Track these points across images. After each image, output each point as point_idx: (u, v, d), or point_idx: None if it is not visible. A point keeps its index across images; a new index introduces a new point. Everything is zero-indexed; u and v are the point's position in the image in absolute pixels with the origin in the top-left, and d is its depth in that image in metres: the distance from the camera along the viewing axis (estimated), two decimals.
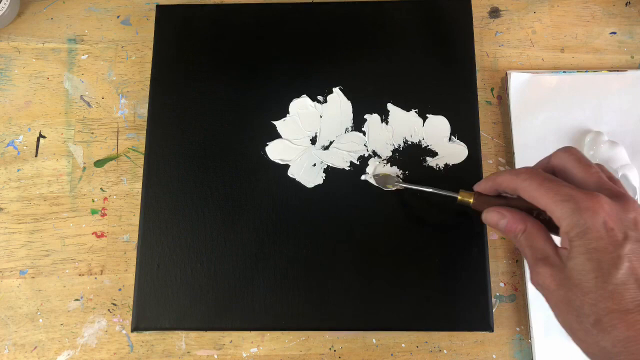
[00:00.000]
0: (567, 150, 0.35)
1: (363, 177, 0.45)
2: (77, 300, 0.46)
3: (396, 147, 0.46)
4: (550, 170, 0.35)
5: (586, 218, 0.30)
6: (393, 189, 0.44)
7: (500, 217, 0.35)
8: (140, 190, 0.46)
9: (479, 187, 0.38)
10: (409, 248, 0.44)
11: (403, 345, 0.44)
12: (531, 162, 0.45)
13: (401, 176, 0.45)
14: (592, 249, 0.30)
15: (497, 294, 0.45)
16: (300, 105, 0.47)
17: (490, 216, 0.36)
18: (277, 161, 0.46)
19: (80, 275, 0.46)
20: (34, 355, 0.45)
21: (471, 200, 0.38)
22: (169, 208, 0.45)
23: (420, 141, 0.46)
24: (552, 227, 0.33)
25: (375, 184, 0.45)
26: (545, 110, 0.47)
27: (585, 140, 0.46)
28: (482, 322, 0.42)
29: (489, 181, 0.37)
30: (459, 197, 0.38)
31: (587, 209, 0.30)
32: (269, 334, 0.45)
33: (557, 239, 0.33)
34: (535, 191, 0.32)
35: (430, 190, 0.42)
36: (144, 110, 0.50)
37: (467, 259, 0.43)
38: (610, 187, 0.32)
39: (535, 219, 0.34)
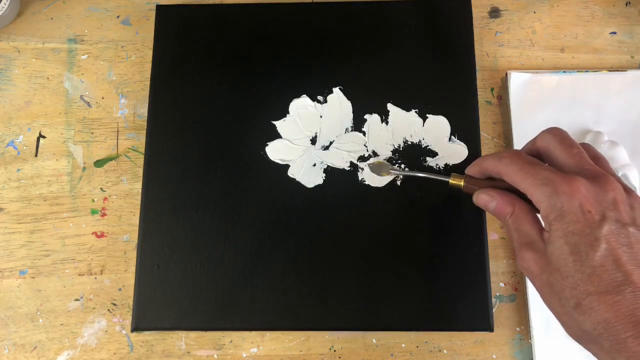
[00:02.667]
0: (551, 132, 0.35)
1: (361, 168, 0.45)
2: (77, 300, 0.46)
3: (396, 147, 0.46)
4: (535, 153, 0.35)
5: (563, 201, 0.30)
6: (388, 176, 0.44)
7: (490, 199, 0.35)
8: (140, 190, 0.46)
9: (469, 170, 0.39)
10: (408, 248, 0.44)
11: (403, 345, 0.44)
12: None
13: (396, 165, 0.45)
14: (569, 233, 0.30)
15: (497, 294, 0.45)
16: (300, 105, 0.47)
17: (480, 198, 0.36)
18: (277, 161, 0.46)
19: (80, 275, 0.46)
20: (34, 355, 0.45)
21: (462, 183, 0.38)
22: (169, 208, 0.45)
23: (420, 141, 0.46)
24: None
25: (370, 172, 0.45)
26: (545, 110, 0.47)
27: (585, 140, 0.46)
28: (482, 322, 0.42)
29: (477, 165, 0.38)
30: (451, 181, 0.39)
31: (563, 192, 0.30)
32: (269, 334, 0.45)
33: None
34: (515, 175, 0.33)
35: (422, 175, 0.43)
36: (144, 110, 0.50)
37: (467, 259, 0.43)
38: (590, 168, 0.32)
39: (523, 201, 0.34)
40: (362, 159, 0.46)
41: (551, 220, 0.31)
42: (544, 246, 0.32)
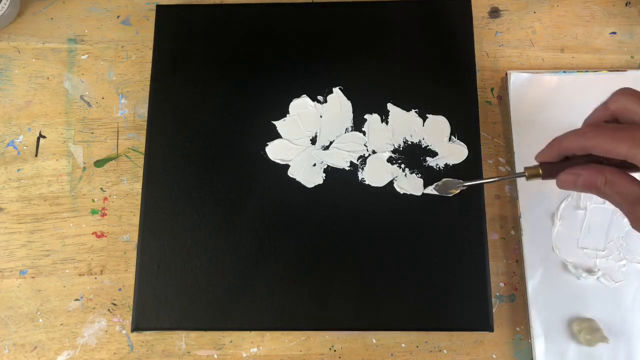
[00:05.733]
0: (624, 93, 0.34)
1: (426, 191, 0.45)
2: (77, 300, 0.46)
3: (396, 147, 0.46)
4: (610, 118, 0.35)
5: None
6: (457, 192, 0.44)
7: (575, 177, 0.34)
8: (140, 190, 0.46)
9: (542, 157, 0.37)
10: (408, 248, 0.44)
11: (403, 345, 0.44)
12: (531, 162, 0.46)
13: (395, 165, 0.45)
14: None
15: (497, 294, 0.45)
16: (300, 105, 0.47)
17: (565, 179, 0.35)
18: (277, 161, 0.46)
19: (80, 275, 0.46)
20: (34, 355, 0.45)
21: (540, 172, 0.37)
22: (169, 208, 0.45)
23: (420, 141, 0.46)
24: (627, 169, 0.33)
25: (437, 193, 0.44)
26: (545, 110, 0.47)
27: None
28: (482, 322, 0.42)
29: (553, 149, 0.36)
30: (527, 174, 0.37)
31: None
32: (269, 334, 0.45)
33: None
34: (607, 143, 0.32)
35: (496, 179, 0.42)
36: (144, 110, 0.50)
37: (467, 259, 0.43)
38: None
39: (610, 167, 0.33)
40: (362, 159, 0.46)
41: None
42: None
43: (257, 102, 0.47)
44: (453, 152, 0.46)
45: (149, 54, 0.50)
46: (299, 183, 0.45)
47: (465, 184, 0.43)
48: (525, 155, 0.46)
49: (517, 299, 0.45)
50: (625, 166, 0.33)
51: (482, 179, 0.44)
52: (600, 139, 0.32)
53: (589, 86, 0.47)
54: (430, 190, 0.45)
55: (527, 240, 0.44)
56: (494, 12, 0.52)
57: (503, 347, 0.44)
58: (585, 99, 0.47)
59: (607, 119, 0.34)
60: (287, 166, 0.46)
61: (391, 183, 0.45)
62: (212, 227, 0.44)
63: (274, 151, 0.46)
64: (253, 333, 0.45)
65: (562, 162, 0.36)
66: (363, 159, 0.46)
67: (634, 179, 0.33)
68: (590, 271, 0.43)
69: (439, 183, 0.44)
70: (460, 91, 0.47)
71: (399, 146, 0.46)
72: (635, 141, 0.31)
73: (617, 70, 0.48)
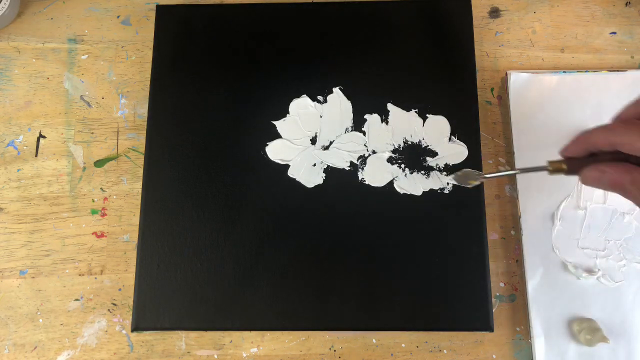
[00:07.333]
0: None
1: (448, 180, 0.45)
2: (77, 300, 0.46)
3: (396, 147, 0.46)
4: None
5: None
6: (477, 183, 0.44)
7: (601, 173, 0.33)
8: (140, 190, 0.46)
9: (567, 151, 0.36)
10: (408, 248, 0.44)
11: (403, 345, 0.44)
12: (531, 163, 0.46)
13: (394, 164, 0.45)
14: None
15: (497, 294, 0.45)
16: (300, 105, 0.47)
17: (589, 176, 0.34)
18: (277, 161, 0.46)
19: (80, 275, 0.46)
20: (34, 355, 0.45)
21: (564, 167, 0.36)
22: (169, 208, 0.45)
23: (420, 141, 0.46)
24: None
25: (456, 183, 0.44)
26: (545, 110, 0.47)
27: None
28: (482, 322, 0.42)
29: (580, 143, 0.35)
30: (550, 169, 0.36)
31: None
32: (269, 334, 0.45)
33: None
34: (638, 142, 0.31)
35: (517, 172, 0.41)
36: (144, 110, 0.50)
37: (467, 259, 0.43)
38: None
39: (636, 165, 0.32)
40: (362, 159, 0.46)
41: None
42: None
43: (257, 102, 0.47)
44: (453, 152, 0.46)
45: (149, 54, 0.50)
46: (299, 183, 0.45)
47: (486, 175, 0.43)
48: (526, 155, 0.46)
49: (517, 299, 0.45)
50: None
51: (502, 171, 0.45)
52: (630, 136, 0.31)
53: (589, 86, 0.47)
54: (450, 179, 0.45)
55: (527, 240, 0.44)
56: (494, 12, 0.52)
57: (503, 347, 0.44)
58: (585, 99, 0.47)
59: (639, 117, 0.33)
60: (287, 166, 0.46)
61: (391, 183, 0.45)
62: (212, 227, 0.44)
63: (274, 151, 0.46)
64: (253, 333, 0.45)
65: (588, 158, 0.35)
66: (363, 159, 0.46)
67: None
68: (590, 271, 0.43)
69: (459, 173, 0.44)
70: (460, 91, 0.47)
71: (399, 146, 0.46)
72: None
73: (617, 70, 0.48)
